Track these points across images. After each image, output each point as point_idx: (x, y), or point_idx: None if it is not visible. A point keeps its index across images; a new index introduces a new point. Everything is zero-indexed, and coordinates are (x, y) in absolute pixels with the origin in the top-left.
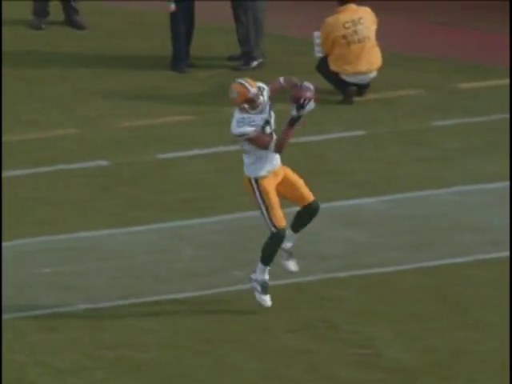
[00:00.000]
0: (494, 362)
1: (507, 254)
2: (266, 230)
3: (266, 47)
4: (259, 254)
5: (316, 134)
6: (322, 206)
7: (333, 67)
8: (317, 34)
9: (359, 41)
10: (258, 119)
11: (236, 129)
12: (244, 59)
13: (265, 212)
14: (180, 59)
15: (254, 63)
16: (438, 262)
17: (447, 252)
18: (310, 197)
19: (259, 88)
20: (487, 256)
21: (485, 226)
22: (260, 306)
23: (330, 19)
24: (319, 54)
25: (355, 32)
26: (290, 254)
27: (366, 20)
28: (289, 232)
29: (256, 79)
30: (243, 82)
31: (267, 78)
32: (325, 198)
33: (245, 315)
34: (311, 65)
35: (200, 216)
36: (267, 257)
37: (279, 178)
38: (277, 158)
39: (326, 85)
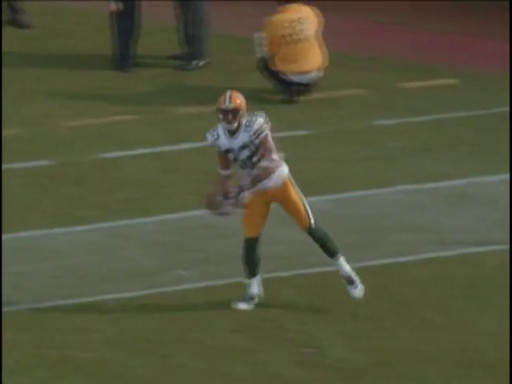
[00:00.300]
0: (439, 361)
1: (452, 253)
2: (211, 230)
3: (210, 46)
4: (205, 253)
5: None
6: None
7: (278, 66)
8: (257, 34)
9: (303, 40)
10: (223, 139)
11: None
12: (187, 59)
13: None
14: (125, 58)
15: (201, 63)
16: (382, 261)
17: (392, 251)
18: (303, 226)
19: (252, 119)
20: (432, 255)
21: (430, 225)
22: (204, 306)
23: (274, 18)
24: (260, 55)
25: (299, 31)
26: (347, 281)
27: (309, 19)
28: (330, 260)
29: (201, 78)
30: (225, 94)
31: (212, 77)
32: None
33: (190, 315)
34: (255, 64)
35: (144, 215)
36: (245, 267)
37: (269, 197)
38: (269, 180)
39: (267, 84)
